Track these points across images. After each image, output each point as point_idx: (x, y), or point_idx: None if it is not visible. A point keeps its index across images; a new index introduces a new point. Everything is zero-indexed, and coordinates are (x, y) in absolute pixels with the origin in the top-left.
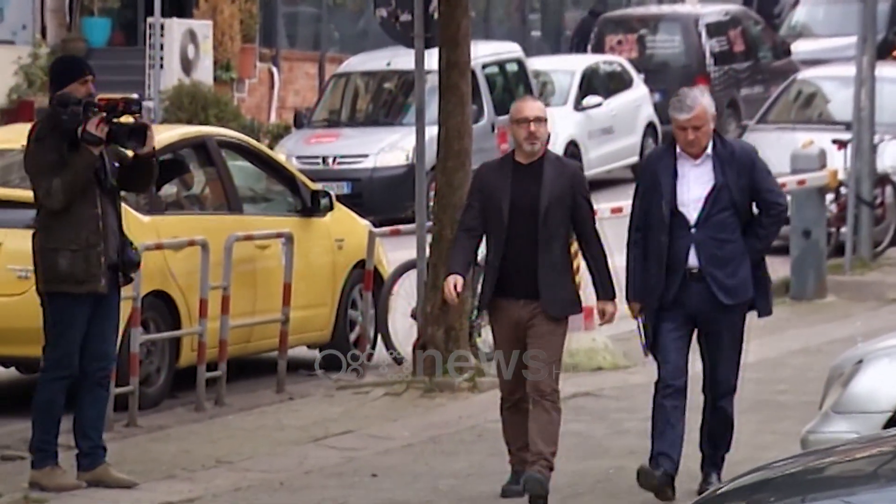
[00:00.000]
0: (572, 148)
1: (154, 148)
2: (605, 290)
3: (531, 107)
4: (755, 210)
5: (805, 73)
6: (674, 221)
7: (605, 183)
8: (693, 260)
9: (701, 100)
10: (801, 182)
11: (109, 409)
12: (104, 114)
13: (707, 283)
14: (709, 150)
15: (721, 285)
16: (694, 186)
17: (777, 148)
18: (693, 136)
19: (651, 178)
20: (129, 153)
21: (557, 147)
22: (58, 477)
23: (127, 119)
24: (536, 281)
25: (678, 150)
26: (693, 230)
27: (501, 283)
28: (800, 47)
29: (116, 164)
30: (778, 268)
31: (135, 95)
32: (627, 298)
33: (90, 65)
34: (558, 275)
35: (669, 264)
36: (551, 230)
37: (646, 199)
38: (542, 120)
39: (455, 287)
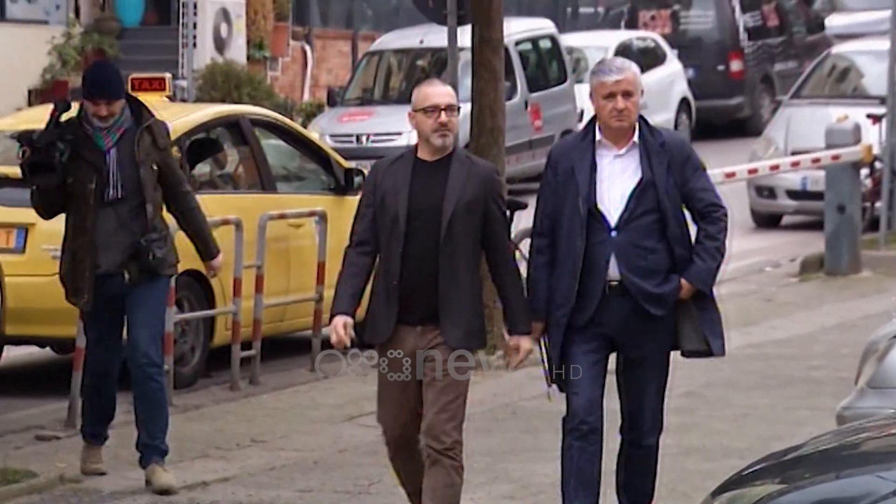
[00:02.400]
0: None
1: (59, 181)
2: (518, 321)
3: (440, 92)
4: (690, 220)
5: (839, 48)
6: (590, 223)
7: None
8: (613, 270)
9: (630, 65)
10: (836, 157)
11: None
12: (22, 147)
13: (631, 295)
14: (635, 138)
15: (648, 296)
16: (616, 182)
17: (811, 123)
18: (623, 103)
19: (564, 171)
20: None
21: None
22: (89, 457)
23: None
24: (437, 303)
25: (597, 138)
26: (613, 234)
27: (399, 307)
28: (834, 22)
29: (154, 168)
30: (812, 243)
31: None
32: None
33: (115, 86)
34: (463, 298)
35: (585, 274)
36: (456, 242)
37: (556, 197)
38: (453, 108)
39: (344, 329)
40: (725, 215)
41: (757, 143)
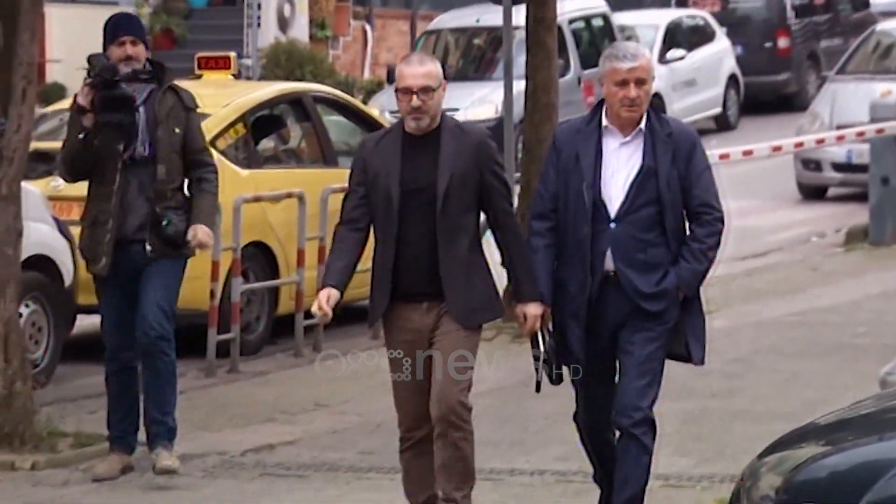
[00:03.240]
0: (656, 100)
1: (130, 122)
2: (525, 288)
3: (415, 73)
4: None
5: (883, 25)
6: (594, 212)
7: None
8: (609, 262)
9: (645, 52)
10: (880, 130)
11: (176, 386)
12: (90, 81)
13: (623, 289)
14: (642, 125)
15: (640, 294)
16: (620, 170)
17: (856, 98)
18: (636, 92)
19: (568, 156)
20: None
21: None
22: (105, 463)
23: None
24: (440, 281)
25: (604, 122)
26: (612, 225)
27: (397, 287)
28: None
29: (177, 132)
30: (857, 214)
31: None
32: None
33: (136, 26)
34: (466, 274)
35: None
36: (453, 219)
37: (559, 181)
38: (428, 90)
39: (328, 301)
40: (720, 220)
41: (803, 118)
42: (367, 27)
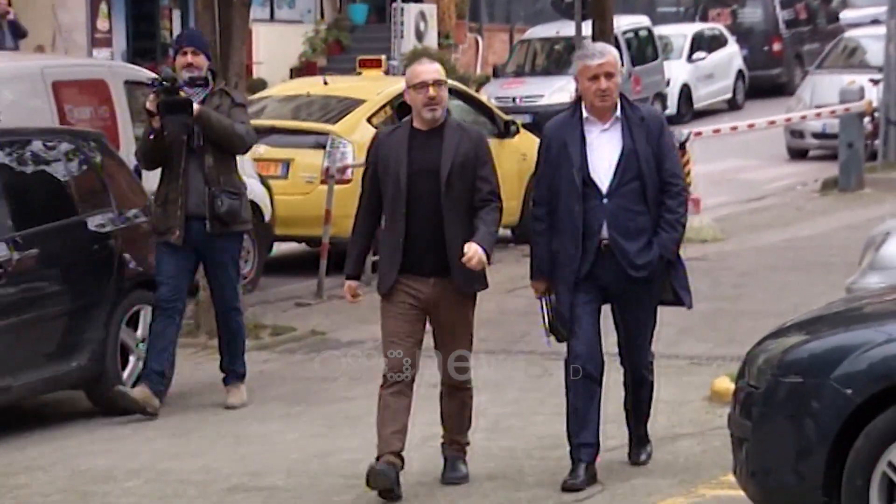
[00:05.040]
0: (686, 89)
1: (192, 120)
2: (482, 239)
3: (428, 70)
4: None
5: (849, 33)
6: (585, 191)
7: (707, 112)
8: (604, 232)
9: (611, 49)
10: (847, 109)
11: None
12: (155, 89)
13: (615, 259)
14: (617, 113)
15: (630, 263)
16: (604, 153)
17: (830, 86)
18: (606, 84)
19: (557, 146)
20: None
21: (674, 89)
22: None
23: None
24: (446, 257)
25: (584, 114)
26: (604, 200)
27: (406, 260)
28: (845, 14)
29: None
30: (829, 169)
31: (187, 75)
32: (532, 277)
33: (198, 39)
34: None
35: (582, 236)
36: (457, 196)
37: (550, 170)
38: (441, 83)
39: (351, 292)
40: (685, 188)
41: (791, 101)
42: (479, 37)
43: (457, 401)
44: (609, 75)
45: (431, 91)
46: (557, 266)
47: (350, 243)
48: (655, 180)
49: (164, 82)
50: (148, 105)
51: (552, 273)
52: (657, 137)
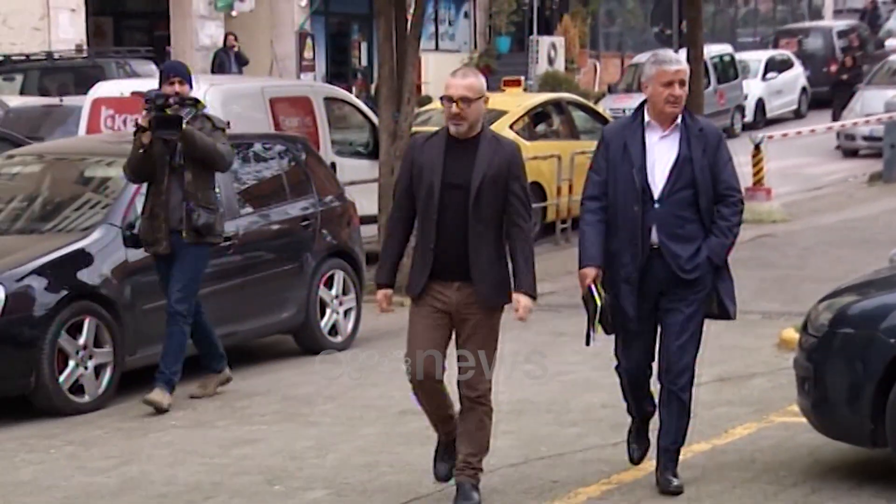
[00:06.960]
0: (760, 102)
1: (179, 136)
2: (523, 281)
3: (458, 84)
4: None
5: (893, 57)
6: (641, 194)
7: (778, 120)
8: (654, 236)
9: (683, 59)
10: (890, 117)
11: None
12: (147, 107)
13: (665, 260)
14: (678, 121)
15: (680, 266)
16: (661, 159)
17: (877, 99)
18: (680, 91)
19: (616, 147)
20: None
21: (751, 102)
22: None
23: (175, 110)
24: (468, 265)
25: (646, 120)
26: (656, 206)
27: (435, 265)
28: (890, 42)
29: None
30: (876, 165)
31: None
32: (580, 265)
33: (182, 70)
34: (490, 261)
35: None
36: (483, 210)
37: (608, 169)
38: (467, 100)
39: (385, 300)
40: (741, 201)
41: (846, 110)
42: (597, 63)
43: (473, 418)
44: (682, 83)
45: (455, 108)
46: (618, 265)
47: (382, 250)
48: (710, 191)
49: (157, 100)
50: (140, 120)
51: (607, 269)
52: (714, 150)
